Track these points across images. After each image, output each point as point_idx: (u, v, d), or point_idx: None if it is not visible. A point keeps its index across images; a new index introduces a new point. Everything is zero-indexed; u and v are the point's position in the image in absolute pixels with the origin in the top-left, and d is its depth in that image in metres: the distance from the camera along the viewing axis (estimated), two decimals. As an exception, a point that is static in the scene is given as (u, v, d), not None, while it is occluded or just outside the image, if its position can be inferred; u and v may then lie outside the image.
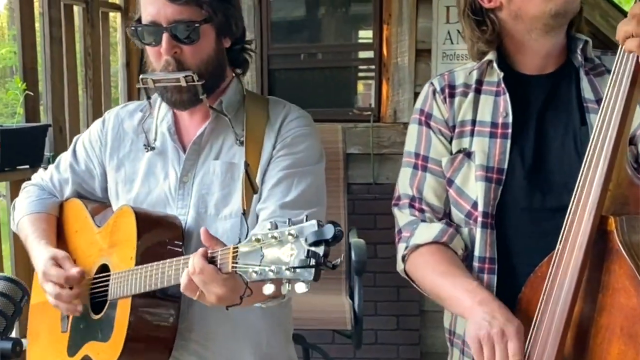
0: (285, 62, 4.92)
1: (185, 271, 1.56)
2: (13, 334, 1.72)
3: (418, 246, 1.82)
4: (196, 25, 1.81)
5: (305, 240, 1.34)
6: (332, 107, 4.88)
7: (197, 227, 1.90)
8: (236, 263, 1.47)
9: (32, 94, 3.43)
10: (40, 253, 1.97)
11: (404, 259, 1.87)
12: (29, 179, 2.48)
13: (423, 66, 4.63)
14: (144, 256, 1.80)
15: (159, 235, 1.87)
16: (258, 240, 1.42)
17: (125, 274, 1.81)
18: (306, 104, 4.74)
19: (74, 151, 2.16)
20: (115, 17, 4.75)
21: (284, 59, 4.90)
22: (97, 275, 1.96)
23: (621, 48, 1.48)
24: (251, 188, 1.74)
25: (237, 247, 1.48)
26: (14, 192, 3.18)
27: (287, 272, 1.35)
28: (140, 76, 1.87)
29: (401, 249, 1.87)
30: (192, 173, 1.95)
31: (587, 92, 1.78)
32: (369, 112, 4.72)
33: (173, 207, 1.96)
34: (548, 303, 1.49)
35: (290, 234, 1.37)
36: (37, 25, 3.61)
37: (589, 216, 1.44)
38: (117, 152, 2.08)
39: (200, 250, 1.55)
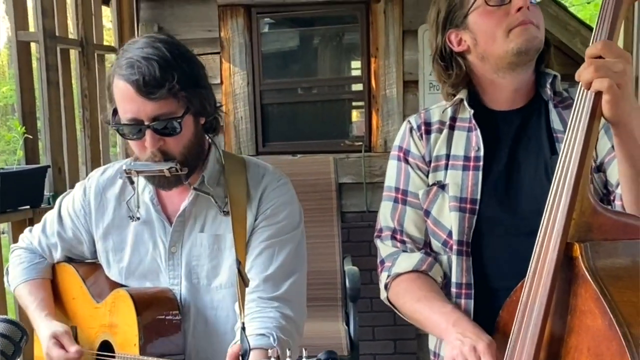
0: (277, 97, 4.99)
1: None
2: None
3: (399, 275, 1.91)
4: (178, 120, 1.83)
5: None
6: (324, 139, 4.96)
7: (193, 297, 2.00)
8: None
9: (31, 137, 3.53)
10: (43, 328, 2.02)
11: (386, 287, 1.95)
12: (30, 219, 2.56)
13: (411, 97, 4.74)
14: (147, 339, 1.88)
15: (157, 313, 1.94)
16: None
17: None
18: (299, 137, 4.90)
19: (60, 217, 2.16)
20: (110, 58, 4.84)
21: (276, 94, 4.97)
22: (101, 353, 2.02)
23: (581, 85, 1.51)
24: (243, 283, 1.77)
25: None
26: (16, 232, 3.27)
27: None
28: (124, 168, 1.90)
29: (383, 278, 1.95)
30: (180, 244, 2.00)
31: (556, 124, 1.86)
32: (361, 143, 4.81)
33: (165, 276, 2.02)
34: (521, 326, 1.54)
35: None
36: (34, 63, 3.70)
37: (555, 244, 1.49)
38: (101, 221, 2.09)
39: None
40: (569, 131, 1.53)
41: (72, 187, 3.62)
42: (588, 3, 10.68)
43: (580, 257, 1.46)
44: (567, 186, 1.50)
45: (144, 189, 2.03)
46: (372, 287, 4.43)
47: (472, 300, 1.85)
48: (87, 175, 3.82)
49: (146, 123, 1.81)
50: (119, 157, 4.78)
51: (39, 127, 3.73)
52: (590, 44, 1.51)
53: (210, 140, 2.03)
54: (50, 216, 2.20)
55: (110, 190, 2.09)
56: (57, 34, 3.76)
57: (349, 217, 4.64)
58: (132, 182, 1.99)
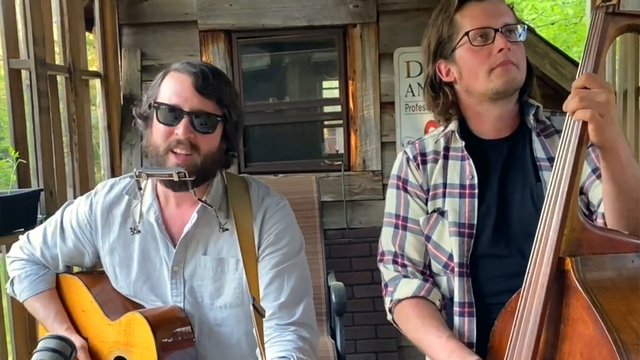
0: (259, 118, 5.05)
1: None
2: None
3: (400, 300, 2.03)
4: (217, 118, 1.95)
5: None
6: (305, 158, 5.03)
7: (197, 312, 2.09)
8: None
9: (25, 162, 3.60)
10: None
11: (390, 311, 2.08)
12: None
13: (388, 117, 4.83)
14: (165, 358, 1.97)
15: (172, 334, 2.03)
16: None
17: None
18: (280, 157, 4.97)
19: (62, 230, 2.21)
20: (95, 83, 4.90)
21: (257, 116, 5.03)
22: None
23: (570, 114, 1.63)
24: (259, 315, 1.83)
25: None
26: (10, 255, 3.32)
27: None
28: (136, 171, 1.94)
29: (387, 302, 2.08)
30: (182, 264, 2.08)
31: (539, 152, 1.98)
32: (340, 162, 4.90)
33: (169, 293, 2.10)
34: (518, 335, 1.63)
35: None
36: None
37: (548, 258, 1.58)
38: (107, 237, 2.16)
39: None
40: (559, 155, 1.64)
41: (61, 209, 3.70)
42: (552, 24, 10.90)
43: (571, 270, 1.56)
44: (559, 205, 1.60)
45: (149, 209, 2.10)
46: (354, 301, 4.60)
47: (475, 318, 1.95)
48: (74, 197, 3.90)
49: (187, 110, 1.92)
50: (104, 180, 4.84)
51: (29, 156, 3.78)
52: (577, 77, 1.63)
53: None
54: (50, 227, 2.25)
55: (117, 208, 2.16)
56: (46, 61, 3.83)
57: (329, 234, 4.70)
58: (139, 188, 2.05)
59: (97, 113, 4.96)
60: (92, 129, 4.54)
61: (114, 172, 4.70)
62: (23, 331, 3.53)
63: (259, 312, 1.82)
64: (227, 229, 2.03)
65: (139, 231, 2.08)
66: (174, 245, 2.09)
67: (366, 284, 4.77)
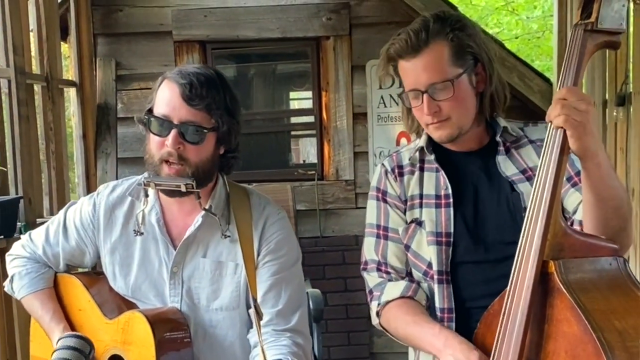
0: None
1: None
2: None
3: (388, 302, 2.08)
4: (204, 130, 1.96)
5: None
6: (280, 168, 5.10)
7: (192, 314, 2.13)
8: None
9: (5, 169, 3.62)
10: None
11: (377, 314, 2.12)
12: (3, 249, 2.58)
13: (360, 128, 4.91)
14: (163, 358, 2.01)
15: (170, 334, 2.05)
16: None
17: None
18: (253, 166, 5.00)
19: (65, 228, 2.24)
20: (69, 92, 4.92)
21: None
22: None
23: (551, 125, 1.69)
24: (258, 316, 1.88)
25: None
26: (-8, 262, 3.33)
27: None
28: (145, 179, 2.01)
29: (374, 306, 2.12)
30: (182, 265, 2.12)
31: (504, 168, 2.03)
32: (313, 172, 4.96)
33: (167, 293, 2.14)
34: (504, 335, 1.68)
35: None
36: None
37: (533, 262, 1.64)
38: (109, 236, 2.18)
39: None
40: (541, 165, 1.70)
41: (39, 217, 3.72)
42: (516, 38, 11.09)
43: (555, 272, 1.63)
44: (542, 212, 1.66)
45: (151, 210, 2.13)
46: (328, 309, 4.63)
47: (454, 323, 2.01)
48: (50, 205, 3.92)
49: (175, 122, 1.96)
50: (78, 189, 4.86)
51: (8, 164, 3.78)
52: (557, 89, 1.71)
53: (218, 173, 2.15)
54: (52, 226, 2.27)
55: (119, 208, 2.19)
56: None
57: (303, 243, 4.55)
58: (146, 195, 2.09)
59: (72, 122, 4.95)
60: (66, 138, 4.55)
61: (89, 180, 4.71)
62: (2, 337, 3.53)
63: (259, 314, 1.89)
64: (228, 236, 2.08)
65: (141, 233, 2.12)
66: (174, 247, 2.13)
67: (339, 292, 4.84)
